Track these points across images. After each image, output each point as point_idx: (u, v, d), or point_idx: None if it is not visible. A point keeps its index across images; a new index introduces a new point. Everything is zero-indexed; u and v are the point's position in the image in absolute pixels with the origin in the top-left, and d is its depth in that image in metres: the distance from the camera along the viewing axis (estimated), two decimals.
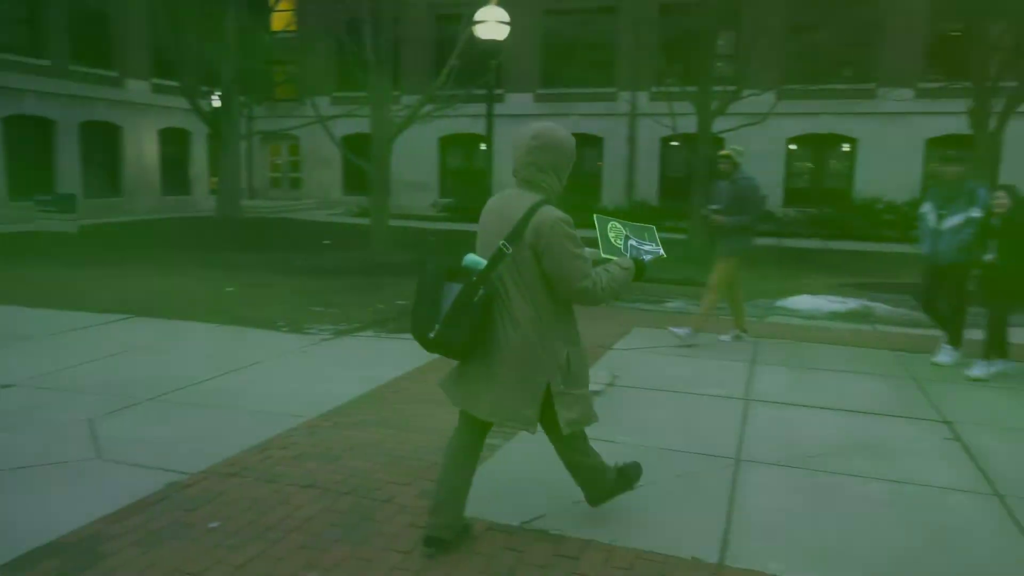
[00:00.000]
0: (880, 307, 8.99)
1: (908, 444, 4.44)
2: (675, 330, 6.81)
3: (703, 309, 6.82)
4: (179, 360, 6.00)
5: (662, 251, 3.18)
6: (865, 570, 3.01)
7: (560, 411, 2.91)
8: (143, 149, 22.90)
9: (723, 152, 6.77)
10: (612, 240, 3.04)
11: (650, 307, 8.78)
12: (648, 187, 21.98)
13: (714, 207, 6.70)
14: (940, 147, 20.26)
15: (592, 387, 5.30)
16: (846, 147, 21.46)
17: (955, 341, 6.31)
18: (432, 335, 2.76)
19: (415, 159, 24.14)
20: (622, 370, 5.87)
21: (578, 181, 25.50)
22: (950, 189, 6.20)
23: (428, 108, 13.21)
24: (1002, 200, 5.80)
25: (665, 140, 21.31)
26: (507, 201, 2.89)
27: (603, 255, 2.97)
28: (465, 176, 24.42)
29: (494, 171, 22.15)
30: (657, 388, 5.44)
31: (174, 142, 24.05)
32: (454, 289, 2.75)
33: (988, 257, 5.85)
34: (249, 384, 5.39)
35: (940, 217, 6.20)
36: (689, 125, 17.23)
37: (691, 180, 15.58)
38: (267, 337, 6.91)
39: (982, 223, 5.92)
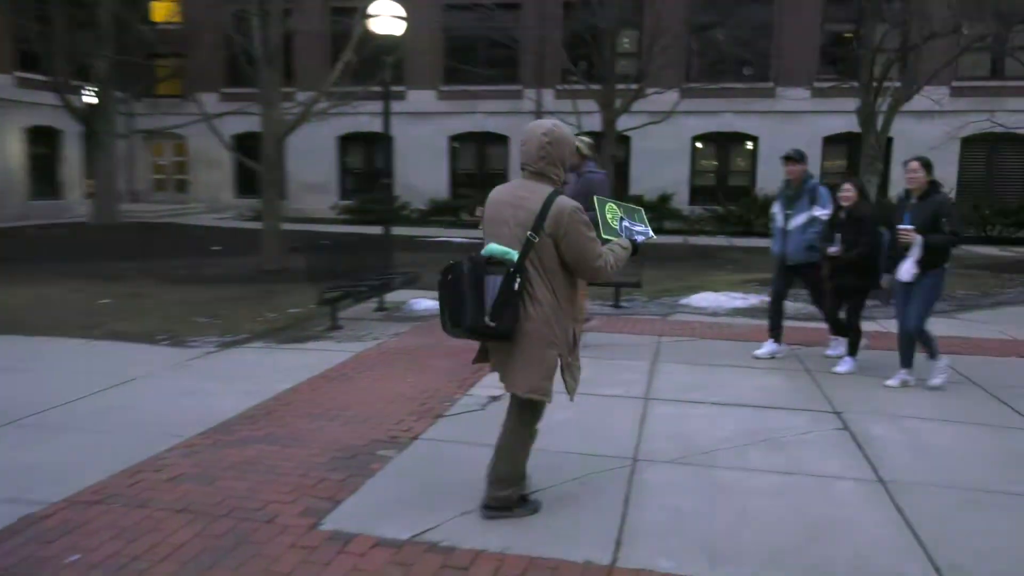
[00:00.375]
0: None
1: (800, 436, 4.66)
2: None
3: None
4: (43, 380, 5.66)
5: (651, 233, 3.57)
6: (753, 561, 3.14)
7: (567, 379, 3.39)
8: (6, 149, 21.47)
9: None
10: (610, 221, 3.45)
11: None
12: None
13: None
14: (836, 145, 21.46)
15: (491, 391, 5.37)
16: (748, 145, 22.41)
17: (775, 336, 6.67)
18: (484, 324, 3.13)
19: (312, 159, 23.67)
20: None
21: (484, 180, 25.44)
22: (794, 189, 6.44)
23: (323, 105, 12.96)
24: (848, 193, 6.02)
25: None
26: (520, 191, 3.28)
27: (604, 236, 3.37)
28: (366, 177, 24.11)
29: (396, 171, 21.92)
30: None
31: (43, 142, 22.65)
32: (491, 281, 3.13)
33: (832, 250, 6.03)
34: (122, 403, 5.14)
35: (787, 217, 6.44)
36: (595, 123, 17.63)
37: None
38: (145, 352, 6.62)
39: (832, 216, 6.13)
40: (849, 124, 15.24)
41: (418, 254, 13.82)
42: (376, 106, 11.26)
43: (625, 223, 3.50)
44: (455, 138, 23.99)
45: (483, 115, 23.06)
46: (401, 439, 4.47)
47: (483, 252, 3.26)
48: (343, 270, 8.19)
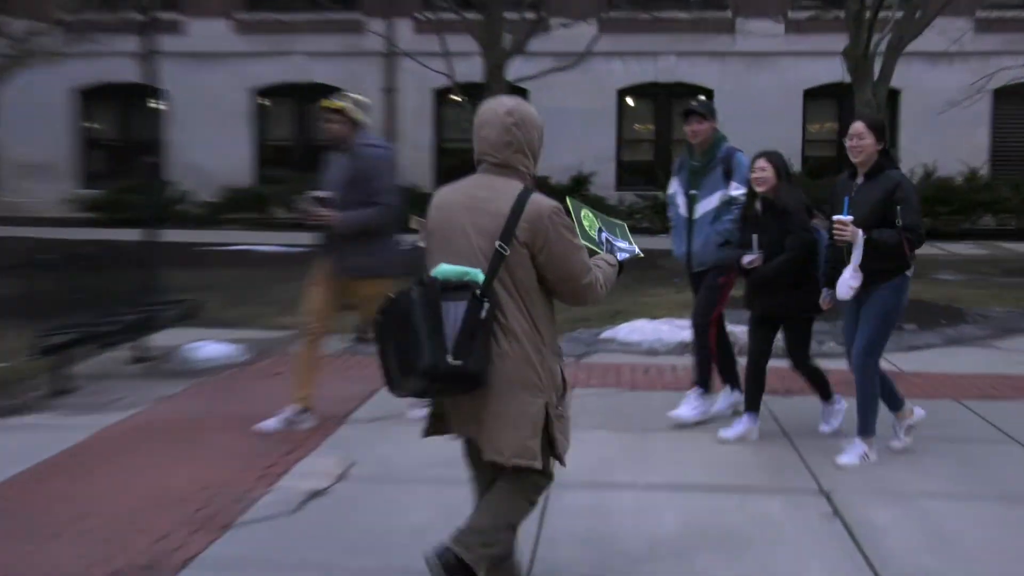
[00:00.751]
0: (743, 331, 9.66)
1: (773, 529, 4.80)
2: (278, 420, 6.37)
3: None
4: None
5: (638, 250, 3.98)
6: None
7: (557, 436, 3.59)
8: None
9: (329, 103, 6.34)
10: (588, 229, 3.79)
11: None
12: (418, 165, 22.34)
13: (320, 194, 6.25)
14: (822, 101, 22.43)
15: (311, 483, 5.31)
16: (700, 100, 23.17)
17: (731, 382, 6.91)
18: (448, 367, 3.29)
19: (35, 126, 22.91)
20: (362, 453, 5.90)
21: (307, 156, 25.31)
22: (700, 158, 6.46)
23: (50, 41, 12.63)
24: (762, 173, 5.95)
25: (440, 93, 21.83)
26: (479, 190, 3.55)
27: (581, 241, 3.65)
28: (122, 152, 23.52)
29: (170, 144, 21.44)
30: (415, 478, 5.47)
31: None
32: (452, 309, 3.32)
33: (750, 259, 6.01)
34: None
35: (691, 200, 6.48)
36: (473, 70, 17.77)
37: None
38: None
39: (745, 208, 6.16)
40: (840, 72, 15.94)
41: (203, 271, 13.55)
42: (136, 44, 10.99)
43: (605, 236, 3.87)
44: (263, 92, 23.76)
45: (304, 57, 22.93)
46: (164, 565, 4.33)
47: (433, 275, 3.45)
48: (81, 299, 7.99)
